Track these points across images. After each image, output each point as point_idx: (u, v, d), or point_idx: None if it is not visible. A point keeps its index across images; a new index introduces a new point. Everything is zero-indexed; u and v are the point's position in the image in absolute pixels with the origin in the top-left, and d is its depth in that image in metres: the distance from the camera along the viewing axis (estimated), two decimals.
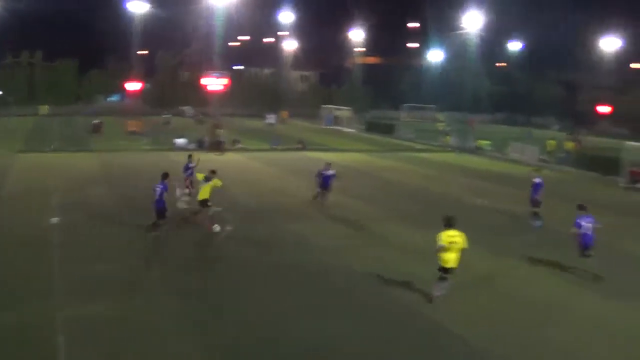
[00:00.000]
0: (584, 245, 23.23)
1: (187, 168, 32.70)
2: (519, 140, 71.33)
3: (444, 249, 19.03)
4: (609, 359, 16.56)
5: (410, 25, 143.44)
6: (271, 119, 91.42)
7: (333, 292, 20.27)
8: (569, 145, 65.35)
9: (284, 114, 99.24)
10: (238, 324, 17.38)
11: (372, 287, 20.84)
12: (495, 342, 16.98)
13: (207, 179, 27.15)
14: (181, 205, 30.61)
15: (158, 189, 25.79)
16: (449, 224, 19.50)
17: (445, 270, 19.35)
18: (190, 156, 33.74)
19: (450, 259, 19.18)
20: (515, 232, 30.13)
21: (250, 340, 16.42)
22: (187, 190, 31.53)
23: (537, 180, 31.71)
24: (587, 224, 23.28)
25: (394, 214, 32.32)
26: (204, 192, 26.92)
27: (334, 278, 21.70)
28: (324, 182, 33.23)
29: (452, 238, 19.17)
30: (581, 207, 24.04)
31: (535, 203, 31.37)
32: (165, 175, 26.73)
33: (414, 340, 16.88)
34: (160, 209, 25.83)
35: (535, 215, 31.28)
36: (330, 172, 33.49)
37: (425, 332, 17.49)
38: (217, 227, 26.58)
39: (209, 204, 26.88)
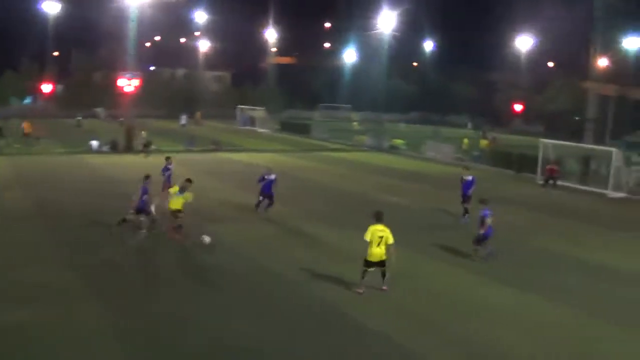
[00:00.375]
0: (485, 236, 24.46)
1: (165, 169, 33.86)
2: (429, 139, 72.40)
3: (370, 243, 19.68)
4: (525, 350, 16.78)
5: (324, 25, 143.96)
6: (183, 119, 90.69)
7: (252, 293, 20.18)
8: (483, 143, 66.47)
9: (198, 114, 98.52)
10: (158, 326, 17.21)
11: (291, 288, 20.80)
12: (417, 339, 17.11)
13: (181, 190, 26.25)
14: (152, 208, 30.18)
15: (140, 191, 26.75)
16: (377, 219, 20.11)
17: (369, 263, 19.81)
18: (168, 158, 34.85)
19: (376, 253, 19.70)
20: (430, 228, 30.46)
21: (170, 343, 16.27)
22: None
23: (468, 177, 32.93)
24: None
25: (310, 214, 32.37)
26: (176, 203, 26.08)
27: (253, 279, 21.62)
28: (266, 188, 31.69)
29: (380, 232, 19.73)
30: (482, 201, 25.13)
31: (465, 199, 32.39)
32: (147, 177, 27.44)
33: (337, 340, 16.86)
34: (140, 208, 26.59)
35: (465, 210, 32.29)
36: (272, 176, 32.08)
37: (347, 330, 17.49)
38: (206, 238, 25.28)
39: (179, 215, 26.13)
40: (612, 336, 18.18)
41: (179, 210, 26.01)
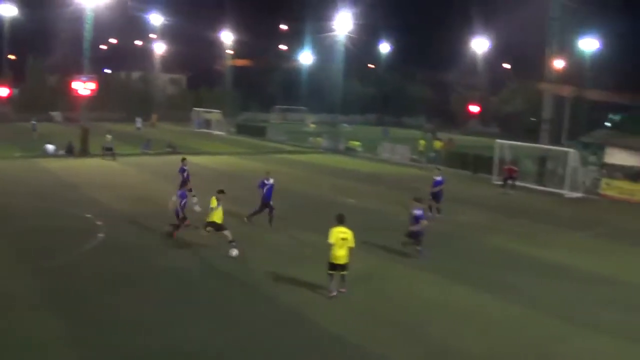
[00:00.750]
0: (417, 234, 24.97)
1: (182, 170, 34.61)
2: (382, 140, 72.44)
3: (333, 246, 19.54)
4: (482, 348, 16.85)
5: (280, 27, 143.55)
6: (138, 122, 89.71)
7: (210, 296, 19.93)
8: (438, 144, 66.61)
9: (154, 117, 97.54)
10: (114, 332, 16.89)
11: (249, 290, 20.58)
12: (375, 339, 17.03)
13: (219, 202, 25.05)
14: (197, 209, 31.16)
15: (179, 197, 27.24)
16: (340, 221, 19.96)
17: (333, 266, 19.65)
18: (183, 159, 35.92)
19: (340, 255, 19.54)
20: (385, 230, 30.15)
21: (125, 349, 15.99)
22: (194, 197, 32.72)
23: (437, 178, 34.07)
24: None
25: (263, 216, 31.88)
26: (217, 215, 24.95)
27: (210, 282, 21.41)
28: (268, 195, 30.18)
29: (342, 234, 19.56)
30: (417, 200, 25.80)
31: (435, 197, 33.70)
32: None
33: (295, 342, 16.75)
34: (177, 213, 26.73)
35: (431, 208, 33.34)
36: (271, 181, 30.56)
37: (305, 332, 17.38)
38: (234, 252, 24.60)
39: (210, 228, 25.10)
40: (568, 334, 18.31)
41: (214, 223, 24.94)
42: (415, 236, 24.99)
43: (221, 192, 25.14)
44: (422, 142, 67.07)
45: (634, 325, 19.17)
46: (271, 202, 30.08)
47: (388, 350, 16.42)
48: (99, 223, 28.44)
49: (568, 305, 20.72)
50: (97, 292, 20.00)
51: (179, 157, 41.13)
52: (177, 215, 26.74)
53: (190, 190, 32.54)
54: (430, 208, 33.03)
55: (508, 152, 49.27)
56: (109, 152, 54.25)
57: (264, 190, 30.24)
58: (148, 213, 31.82)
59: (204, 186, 37.98)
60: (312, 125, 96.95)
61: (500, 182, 46.41)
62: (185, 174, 34.58)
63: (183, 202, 26.97)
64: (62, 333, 16.77)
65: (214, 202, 24.74)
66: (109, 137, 56.19)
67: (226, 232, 24.66)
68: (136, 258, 24.07)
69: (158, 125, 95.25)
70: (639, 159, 48.41)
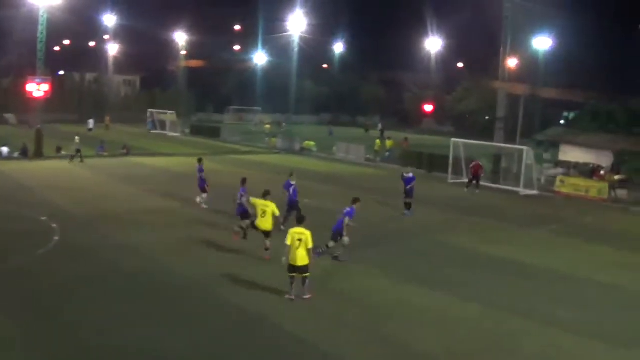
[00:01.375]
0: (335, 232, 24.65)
1: (200, 170, 35.60)
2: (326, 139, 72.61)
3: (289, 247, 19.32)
4: (442, 347, 16.84)
5: (235, 28, 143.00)
6: (90, 124, 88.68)
7: (167, 299, 19.66)
8: (389, 143, 66.90)
9: (107, 119, 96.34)
10: (69, 336, 16.64)
11: (207, 293, 20.34)
12: (334, 340, 16.97)
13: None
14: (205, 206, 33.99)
15: (239, 195, 27.21)
16: (299, 222, 19.83)
17: (292, 268, 19.41)
18: (200, 160, 36.86)
19: (298, 256, 19.27)
20: None
21: (80, 353, 15.76)
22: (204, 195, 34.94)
23: (409, 175, 35.20)
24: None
25: (222, 218, 31.73)
26: (267, 222, 24.12)
27: (167, 285, 21.07)
28: (294, 196, 30.10)
29: (299, 235, 19.27)
30: (354, 201, 25.22)
31: (407, 194, 34.48)
32: (244, 181, 28.07)
33: (253, 343, 16.63)
34: (243, 212, 26.59)
35: (407, 205, 34.33)
36: (294, 182, 30.48)
37: (263, 334, 17.26)
38: (346, 239, 24.20)
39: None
40: (527, 331, 18.35)
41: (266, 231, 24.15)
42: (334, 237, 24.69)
43: (268, 193, 24.75)
44: (378, 141, 67.16)
45: (591, 321, 19.33)
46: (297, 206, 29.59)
47: (349, 352, 16.35)
48: (54, 226, 28.03)
49: (525, 302, 20.80)
50: (52, 294, 19.67)
51: (133, 159, 40.87)
52: (245, 213, 26.59)
53: (206, 191, 34.85)
54: (407, 205, 34.41)
55: (462, 151, 49.45)
56: (77, 153, 53.43)
57: (290, 190, 30.17)
58: (104, 215, 31.46)
59: (161, 188, 37.85)
60: (267, 126, 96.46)
61: (466, 181, 46.24)
62: (200, 175, 35.41)
63: (244, 199, 26.71)
64: (14, 334, 16.56)
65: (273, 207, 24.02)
66: (77, 139, 55.34)
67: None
68: (92, 261, 23.68)
69: (112, 126, 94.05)
70: (592, 156, 48.86)
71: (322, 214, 33.81)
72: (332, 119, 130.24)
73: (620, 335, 18.37)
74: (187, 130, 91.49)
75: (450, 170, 49.68)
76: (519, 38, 66.51)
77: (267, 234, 24.09)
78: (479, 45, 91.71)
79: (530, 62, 77.22)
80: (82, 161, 52.28)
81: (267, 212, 23.96)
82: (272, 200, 24.20)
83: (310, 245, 19.41)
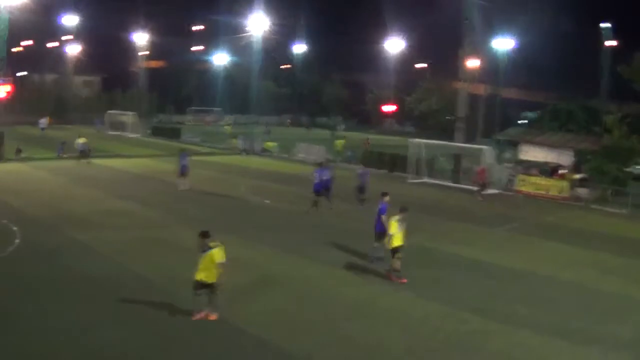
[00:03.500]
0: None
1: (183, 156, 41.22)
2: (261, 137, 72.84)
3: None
4: (404, 346, 16.88)
5: (195, 28, 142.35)
6: (42, 123, 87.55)
7: (125, 301, 19.38)
8: (340, 143, 66.91)
9: (47, 119, 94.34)
10: (26, 337, 16.41)
11: (166, 295, 20.04)
12: (296, 341, 16.92)
13: (401, 222, 22.66)
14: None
15: (316, 174, 34.28)
16: (203, 236, 17.97)
17: (196, 284, 17.83)
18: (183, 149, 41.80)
19: (202, 270, 17.75)
20: (301, 230, 30.39)
21: (36, 352, 15.61)
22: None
23: (360, 171, 37.05)
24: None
25: (181, 219, 31.62)
26: (398, 238, 22.47)
27: (125, 287, 20.80)
28: (326, 183, 34.93)
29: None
30: (383, 194, 25.35)
31: (360, 190, 35.93)
32: (320, 164, 35.11)
33: (214, 345, 16.48)
34: (318, 189, 32.52)
35: (362, 201, 35.37)
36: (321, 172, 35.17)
37: (224, 335, 17.11)
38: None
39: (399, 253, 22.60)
40: (489, 329, 18.43)
41: (399, 247, 22.60)
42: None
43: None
44: (338, 142, 67.12)
45: (552, 319, 19.40)
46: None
47: (310, 352, 16.29)
48: (14, 229, 27.59)
49: (487, 300, 20.88)
50: (13, 298, 19.37)
51: (94, 160, 40.40)
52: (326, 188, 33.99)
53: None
54: (361, 201, 35.47)
55: (423, 151, 49.71)
56: (82, 154, 53.01)
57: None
58: (65, 218, 31.06)
59: (121, 190, 37.55)
60: (228, 127, 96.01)
61: (476, 189, 45.24)
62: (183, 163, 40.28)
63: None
64: None
65: (393, 227, 22.39)
66: (81, 139, 54.58)
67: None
68: (53, 263, 23.38)
69: (48, 126, 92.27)
70: (552, 155, 49.08)
71: (283, 214, 33.97)
72: (293, 119, 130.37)
73: (582, 333, 18.46)
74: (148, 131, 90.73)
75: (410, 170, 49.73)
76: (480, 39, 66.87)
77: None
78: (440, 46, 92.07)
79: (491, 63, 77.71)
80: (88, 162, 52.07)
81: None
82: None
83: (219, 260, 17.46)
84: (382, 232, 23.74)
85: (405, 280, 22.14)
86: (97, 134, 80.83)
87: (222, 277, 17.61)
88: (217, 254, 17.52)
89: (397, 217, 22.49)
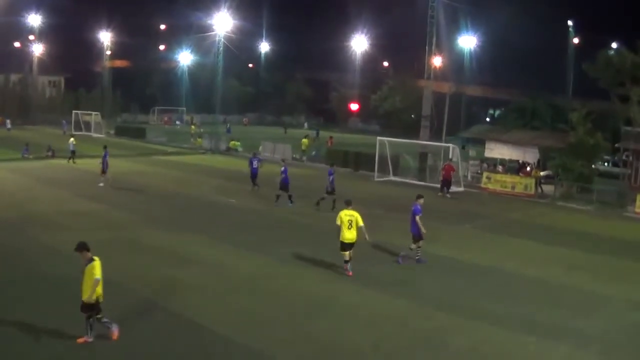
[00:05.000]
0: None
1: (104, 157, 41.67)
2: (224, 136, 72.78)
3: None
4: (368, 343, 16.91)
5: (159, 27, 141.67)
6: (8, 124, 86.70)
7: None
8: (305, 142, 66.81)
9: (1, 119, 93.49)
10: None
11: (131, 295, 19.96)
12: (261, 338, 16.90)
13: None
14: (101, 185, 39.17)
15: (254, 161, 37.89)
16: (80, 249, 16.95)
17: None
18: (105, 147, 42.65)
19: (85, 290, 16.58)
20: (266, 228, 30.47)
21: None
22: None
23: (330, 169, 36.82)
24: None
25: (146, 219, 31.52)
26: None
27: None
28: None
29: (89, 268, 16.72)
30: (418, 197, 25.79)
31: (329, 190, 35.99)
32: (254, 154, 36.20)
33: (179, 344, 16.40)
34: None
35: (324, 199, 35.51)
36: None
37: (189, 334, 17.02)
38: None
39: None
40: (456, 326, 18.46)
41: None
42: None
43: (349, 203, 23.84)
44: (304, 141, 67.00)
45: (520, 314, 19.51)
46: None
47: (275, 350, 16.26)
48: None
49: (454, 297, 20.95)
50: None
51: (59, 161, 40.21)
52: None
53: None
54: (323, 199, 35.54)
55: (388, 149, 49.68)
56: (73, 154, 53.43)
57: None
58: (30, 218, 30.83)
59: (87, 191, 37.24)
60: (193, 127, 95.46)
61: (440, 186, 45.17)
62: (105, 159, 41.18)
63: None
64: None
65: (338, 220, 22.92)
66: (72, 140, 54.28)
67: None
68: (18, 263, 23.26)
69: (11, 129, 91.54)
70: (518, 152, 49.26)
71: (248, 213, 33.91)
72: (257, 118, 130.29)
73: (549, 328, 18.54)
74: (112, 131, 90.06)
75: (376, 168, 49.71)
76: (444, 37, 67.01)
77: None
78: (404, 44, 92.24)
79: (456, 61, 77.99)
80: (74, 162, 52.85)
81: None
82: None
83: (96, 276, 16.38)
84: (417, 234, 24.62)
85: (350, 273, 22.50)
86: (63, 136, 79.99)
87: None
88: (97, 267, 16.54)
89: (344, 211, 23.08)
